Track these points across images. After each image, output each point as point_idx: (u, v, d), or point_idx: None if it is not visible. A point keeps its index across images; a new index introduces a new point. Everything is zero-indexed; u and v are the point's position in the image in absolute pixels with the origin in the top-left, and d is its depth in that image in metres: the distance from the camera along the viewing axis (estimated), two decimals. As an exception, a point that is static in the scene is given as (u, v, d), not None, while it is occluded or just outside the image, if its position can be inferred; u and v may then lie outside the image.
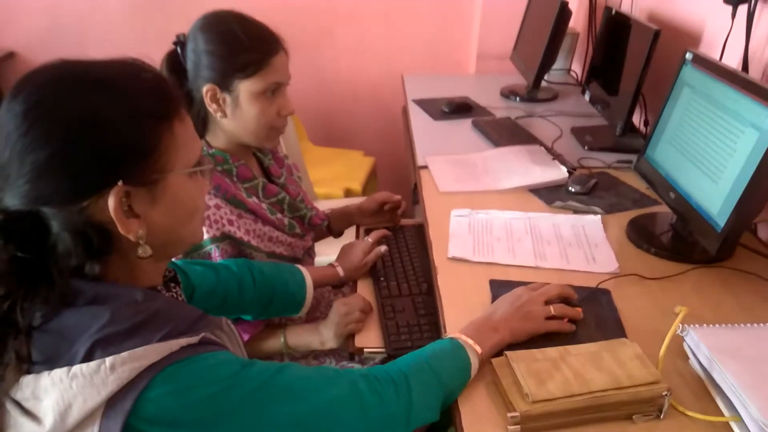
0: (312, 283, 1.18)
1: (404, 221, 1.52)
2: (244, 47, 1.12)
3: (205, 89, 1.14)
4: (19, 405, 0.63)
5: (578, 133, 1.80)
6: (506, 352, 0.86)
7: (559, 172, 1.49)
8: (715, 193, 1.06)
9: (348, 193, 2.42)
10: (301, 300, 1.16)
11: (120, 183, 0.65)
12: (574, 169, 1.54)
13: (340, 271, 1.26)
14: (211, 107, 1.15)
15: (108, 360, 0.61)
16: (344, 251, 1.31)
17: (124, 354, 0.61)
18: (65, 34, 2.65)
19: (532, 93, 2.16)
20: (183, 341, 0.65)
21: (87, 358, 0.61)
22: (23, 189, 0.63)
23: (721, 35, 1.37)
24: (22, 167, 0.62)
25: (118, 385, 0.60)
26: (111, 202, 0.65)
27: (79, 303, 0.65)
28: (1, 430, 0.64)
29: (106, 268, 0.69)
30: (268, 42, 1.15)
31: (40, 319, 0.64)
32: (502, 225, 1.28)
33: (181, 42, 1.17)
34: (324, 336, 1.16)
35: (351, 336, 1.13)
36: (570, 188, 1.43)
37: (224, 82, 1.14)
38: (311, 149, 2.75)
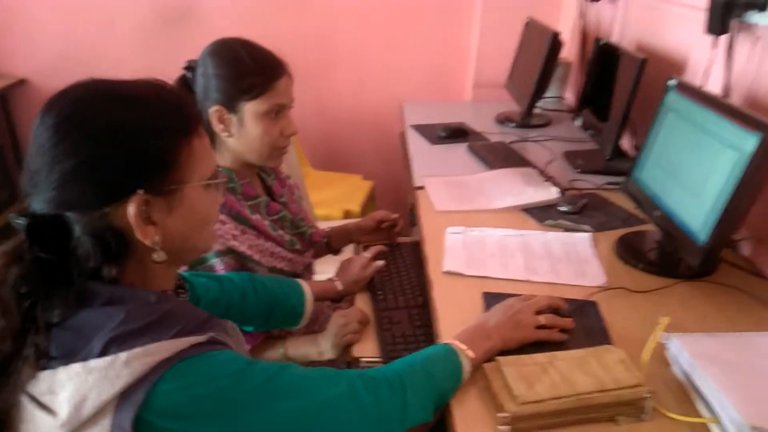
0: (311, 296, 1.22)
1: (401, 239, 1.57)
2: (249, 71, 1.19)
3: (213, 110, 1.20)
4: (34, 399, 0.66)
5: (570, 157, 1.87)
6: (497, 357, 0.90)
7: (551, 193, 1.55)
8: (698, 210, 1.11)
9: (347, 215, 2.47)
10: (300, 312, 1.21)
11: (140, 192, 0.70)
12: (565, 190, 1.59)
13: (339, 285, 1.30)
14: (218, 127, 1.22)
15: (122, 355, 0.65)
16: (343, 266, 1.36)
17: (138, 350, 0.65)
18: (75, 62, 2.73)
19: (526, 119, 2.23)
20: (192, 339, 0.70)
21: (103, 353, 0.65)
22: (51, 195, 0.68)
23: (704, 63, 1.44)
24: (51, 175, 0.68)
25: (131, 379, 0.64)
26: (131, 209, 0.70)
27: (96, 303, 0.70)
28: (16, 423, 0.68)
29: (122, 272, 0.73)
30: (272, 66, 1.22)
31: (58, 316, 0.68)
32: (495, 242, 1.33)
33: (191, 67, 1.24)
34: (322, 347, 1.20)
35: (348, 347, 1.17)
36: (561, 208, 1.49)
37: (231, 103, 1.20)
38: (311, 173, 2.81)
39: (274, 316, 1.18)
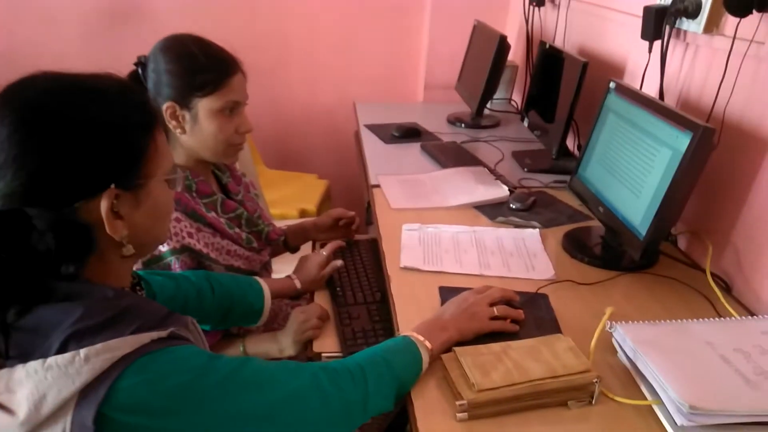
0: (270, 293, 1.22)
1: (358, 237, 1.59)
2: (202, 67, 1.18)
3: (165, 107, 1.18)
4: None
5: (518, 156, 1.93)
6: (454, 348, 0.93)
7: (501, 191, 1.60)
8: (637, 206, 1.18)
9: (303, 214, 2.47)
10: (259, 310, 1.20)
11: (113, 186, 0.70)
12: (515, 188, 1.65)
13: (297, 283, 1.31)
14: (171, 124, 1.20)
15: (82, 351, 0.64)
16: (301, 263, 1.36)
17: (98, 346, 0.64)
18: (18, 59, 2.61)
19: (476, 120, 2.30)
20: (153, 334, 0.69)
21: (61, 350, 0.64)
22: (15, 190, 0.66)
23: (641, 67, 1.53)
24: (19, 170, 0.66)
25: (91, 375, 0.63)
26: (103, 204, 0.69)
27: (53, 300, 0.68)
28: None
29: (79, 269, 0.72)
30: (226, 63, 1.21)
31: (14, 315, 0.67)
32: (449, 238, 1.37)
33: (142, 63, 1.22)
34: (282, 344, 1.20)
35: (309, 342, 1.18)
36: (511, 205, 1.54)
37: (184, 100, 1.18)
38: (266, 172, 2.80)
39: (232, 314, 1.17)
